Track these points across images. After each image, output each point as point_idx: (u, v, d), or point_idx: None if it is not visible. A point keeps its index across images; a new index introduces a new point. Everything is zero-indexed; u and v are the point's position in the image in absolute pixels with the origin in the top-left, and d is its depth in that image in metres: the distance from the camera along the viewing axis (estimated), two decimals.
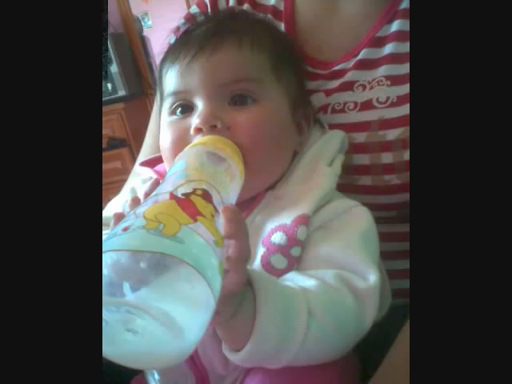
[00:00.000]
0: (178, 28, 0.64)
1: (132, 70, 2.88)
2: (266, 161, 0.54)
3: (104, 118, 2.34)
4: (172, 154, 0.54)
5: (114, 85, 2.57)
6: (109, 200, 0.68)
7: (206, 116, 0.52)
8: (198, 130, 0.52)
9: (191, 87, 0.54)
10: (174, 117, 0.56)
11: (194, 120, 0.53)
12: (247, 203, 0.55)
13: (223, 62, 0.54)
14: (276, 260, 0.50)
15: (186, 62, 0.54)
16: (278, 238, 0.51)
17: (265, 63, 0.56)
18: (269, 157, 0.55)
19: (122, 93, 2.60)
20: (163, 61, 0.59)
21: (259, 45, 0.56)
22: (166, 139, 0.56)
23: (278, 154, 0.56)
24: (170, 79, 0.57)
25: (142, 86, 2.99)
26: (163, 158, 0.59)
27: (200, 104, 0.54)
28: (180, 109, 0.56)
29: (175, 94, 0.56)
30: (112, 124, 2.54)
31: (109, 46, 2.44)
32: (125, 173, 2.37)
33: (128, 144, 2.63)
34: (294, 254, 0.51)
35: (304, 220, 0.51)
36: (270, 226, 0.52)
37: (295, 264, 0.51)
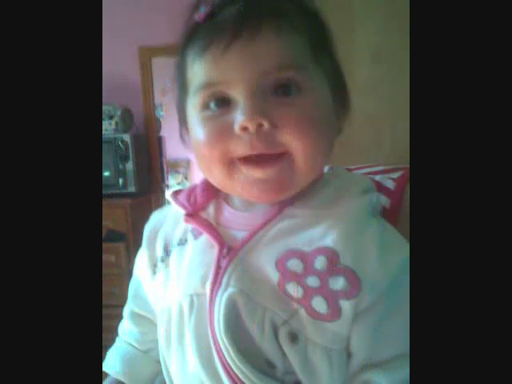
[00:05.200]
0: (196, 6, 0.51)
1: (145, 169, 2.99)
2: (315, 160, 0.49)
3: (108, 211, 2.36)
4: (213, 154, 0.48)
5: (126, 181, 2.66)
6: None
7: (251, 113, 0.45)
8: (245, 129, 0.46)
9: (227, 78, 0.47)
10: (209, 112, 0.49)
11: (238, 116, 0.46)
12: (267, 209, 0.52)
13: (264, 49, 0.46)
14: (291, 288, 0.47)
15: (221, 49, 0.46)
16: (294, 264, 0.47)
17: (305, 47, 0.48)
18: (318, 156, 0.49)
19: (131, 189, 2.67)
20: (185, 49, 0.51)
21: (298, 26, 0.48)
22: (205, 137, 0.49)
23: (326, 150, 0.50)
24: (200, 70, 0.49)
25: (151, 184, 3.08)
26: (199, 157, 0.51)
27: (240, 97, 0.47)
28: (214, 102, 0.49)
29: (208, 86, 0.48)
30: (115, 217, 2.57)
31: (129, 145, 2.57)
32: (117, 267, 2.31)
33: (126, 239, 2.64)
34: (311, 285, 0.47)
35: (326, 252, 0.47)
36: (285, 247, 0.49)
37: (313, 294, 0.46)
